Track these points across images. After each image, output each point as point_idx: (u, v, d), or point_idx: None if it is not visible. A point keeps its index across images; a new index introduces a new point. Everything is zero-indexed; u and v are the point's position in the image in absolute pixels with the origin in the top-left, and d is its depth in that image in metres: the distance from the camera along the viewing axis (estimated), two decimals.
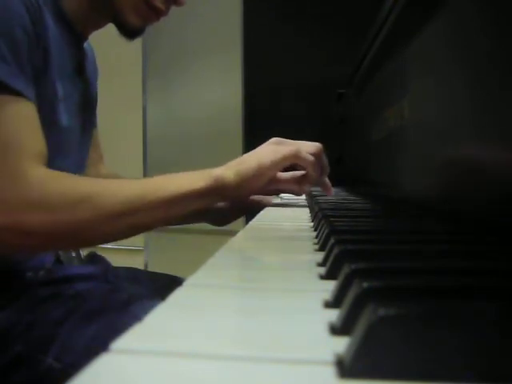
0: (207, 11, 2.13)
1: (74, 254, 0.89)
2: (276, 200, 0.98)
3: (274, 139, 0.80)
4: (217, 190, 0.69)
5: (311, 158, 0.78)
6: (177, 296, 0.28)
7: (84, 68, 0.85)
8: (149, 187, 0.67)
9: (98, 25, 0.83)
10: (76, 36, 0.80)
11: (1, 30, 0.63)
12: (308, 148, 0.79)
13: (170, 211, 0.68)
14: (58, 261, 0.84)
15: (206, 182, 0.68)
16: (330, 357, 0.20)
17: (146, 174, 2.21)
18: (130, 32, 0.80)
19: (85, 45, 0.86)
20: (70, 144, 0.81)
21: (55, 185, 0.64)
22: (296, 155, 0.76)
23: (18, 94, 0.64)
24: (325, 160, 0.83)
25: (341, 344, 0.20)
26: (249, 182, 0.72)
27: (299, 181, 0.83)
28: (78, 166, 0.86)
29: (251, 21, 2.11)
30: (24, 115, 0.65)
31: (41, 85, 0.69)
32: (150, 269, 2.04)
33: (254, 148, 0.78)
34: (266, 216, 0.75)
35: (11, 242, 0.63)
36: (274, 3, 2.13)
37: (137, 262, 2.08)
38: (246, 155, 0.76)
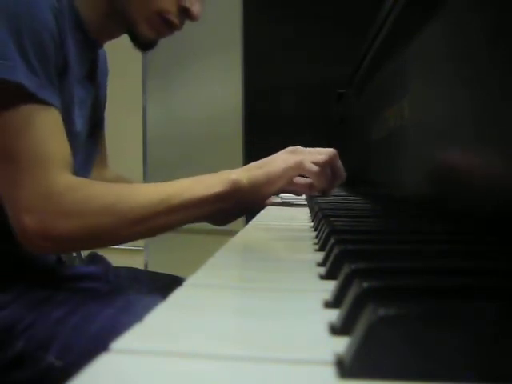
0: (207, 11, 2.12)
1: (75, 254, 0.89)
2: (276, 200, 0.98)
3: (289, 148, 0.80)
4: (233, 194, 0.70)
5: (314, 168, 0.78)
6: (177, 296, 0.28)
7: (96, 73, 0.86)
8: (169, 192, 0.69)
9: (113, 35, 0.84)
10: (91, 43, 0.80)
11: (31, 40, 0.64)
12: (315, 158, 0.79)
13: (189, 215, 0.70)
14: (60, 261, 0.84)
15: (224, 186, 0.70)
16: (330, 357, 0.20)
17: (145, 174, 2.21)
18: (143, 44, 0.81)
19: None
20: (78, 149, 0.82)
21: (83, 192, 0.67)
22: (299, 167, 0.77)
23: (45, 103, 0.65)
24: (338, 166, 0.83)
25: (341, 344, 0.20)
26: (259, 189, 0.73)
27: (310, 187, 0.85)
28: (83, 168, 0.86)
29: (251, 21, 2.11)
30: (51, 124, 0.67)
31: (61, 90, 0.70)
32: (150, 269, 2.04)
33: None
34: (266, 216, 0.75)
35: (40, 245, 0.66)
36: (274, 3, 2.13)
37: (137, 262, 2.08)
38: (266, 159, 0.77)
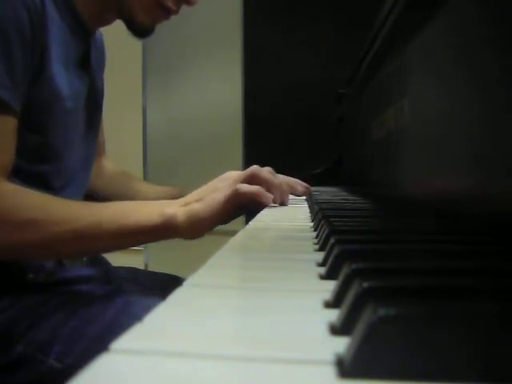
0: (207, 11, 2.13)
1: None
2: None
3: (225, 174, 0.73)
4: (166, 230, 0.67)
5: (253, 189, 0.69)
6: (177, 296, 0.28)
7: (90, 62, 0.84)
8: (101, 217, 0.66)
9: (107, 21, 0.82)
10: (84, 30, 0.79)
11: None
12: (242, 177, 0.72)
13: (118, 243, 0.68)
14: (60, 262, 0.84)
15: (157, 220, 0.66)
16: (330, 357, 0.20)
17: (145, 174, 2.21)
18: (139, 30, 0.80)
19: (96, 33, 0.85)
20: (76, 141, 0.81)
21: (7, 203, 0.64)
22: (237, 195, 0.68)
23: (4, 104, 0.64)
24: (267, 177, 0.74)
25: (341, 344, 0.20)
26: (200, 224, 0.68)
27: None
28: (84, 163, 0.86)
29: (251, 21, 2.11)
30: (2, 127, 0.65)
31: (40, 84, 0.69)
32: (150, 269, 2.04)
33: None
34: (266, 216, 0.74)
35: None
36: (274, 3, 2.13)
37: (137, 262, 2.08)
38: (204, 189, 0.71)
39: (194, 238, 0.70)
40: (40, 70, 0.69)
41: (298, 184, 1.03)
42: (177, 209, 0.67)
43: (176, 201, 0.69)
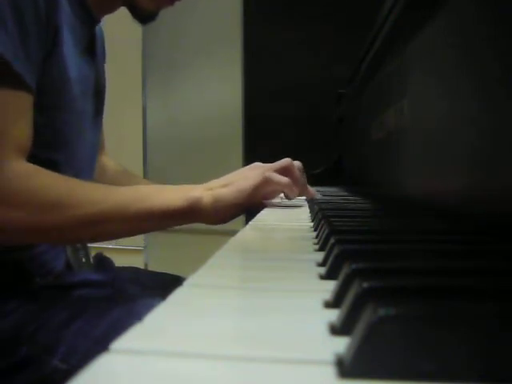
0: (207, 11, 2.13)
1: (84, 260, 0.88)
2: (276, 200, 0.98)
3: (254, 164, 0.75)
4: (193, 212, 0.66)
5: (283, 180, 0.73)
6: (177, 296, 0.28)
7: (96, 50, 0.84)
8: (127, 198, 0.65)
9: (112, 7, 0.82)
10: (90, 17, 0.78)
11: (12, 13, 0.61)
12: (278, 167, 0.74)
13: (142, 226, 0.67)
14: (68, 265, 0.84)
15: (183, 203, 0.66)
16: (330, 357, 0.20)
17: (146, 175, 2.21)
18: (142, 16, 0.79)
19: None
20: (86, 128, 0.80)
21: (32, 182, 0.62)
22: (268, 182, 0.71)
23: (18, 78, 0.61)
24: (297, 173, 0.77)
25: (341, 344, 0.20)
26: (225, 209, 0.68)
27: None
28: (93, 153, 0.85)
29: (251, 21, 2.11)
30: (17, 103, 0.62)
31: (50, 65, 0.68)
32: (150, 269, 2.04)
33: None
34: (265, 216, 0.74)
35: None
36: (274, 3, 2.13)
37: (137, 262, 2.08)
38: (230, 176, 0.72)
39: (216, 223, 0.70)
40: (52, 50, 0.68)
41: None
42: (202, 192, 0.67)
43: (200, 185, 0.69)
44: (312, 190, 0.97)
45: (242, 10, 2.12)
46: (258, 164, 0.75)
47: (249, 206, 0.71)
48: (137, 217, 0.64)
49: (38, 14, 0.64)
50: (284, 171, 0.74)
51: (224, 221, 0.70)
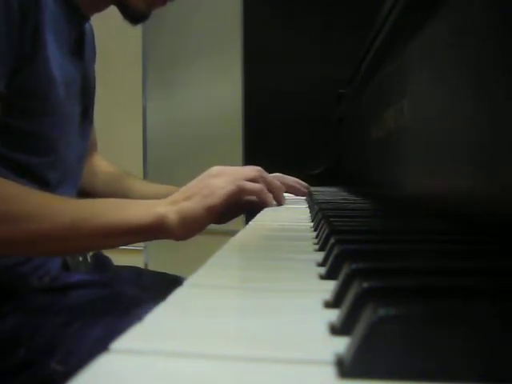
0: (207, 11, 2.13)
1: (81, 259, 0.88)
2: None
3: (214, 169, 0.70)
4: (156, 229, 0.62)
5: (257, 187, 0.70)
6: (177, 296, 0.28)
7: (84, 50, 0.82)
8: (83, 214, 0.61)
9: (102, 6, 0.80)
10: (78, 16, 0.77)
11: None
12: (249, 176, 0.71)
13: (104, 242, 0.63)
14: (65, 266, 0.84)
15: (146, 218, 0.62)
16: (330, 357, 0.20)
17: (145, 175, 2.21)
18: (133, 16, 0.78)
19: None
20: (72, 131, 0.79)
21: None
22: (242, 190, 0.68)
23: None
24: (270, 178, 0.75)
25: (341, 344, 0.20)
26: (193, 224, 0.64)
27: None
28: (80, 156, 0.84)
29: (251, 21, 2.11)
30: None
31: (33, 68, 0.66)
32: (150, 269, 2.04)
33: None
34: (265, 216, 0.74)
35: None
36: (275, 3, 2.13)
37: (137, 262, 2.07)
38: (192, 187, 0.67)
39: (185, 239, 0.65)
40: (33, 53, 0.66)
41: (298, 183, 1.03)
42: (166, 208, 0.63)
43: (163, 200, 0.65)
44: (303, 186, 0.97)
45: (242, 10, 2.12)
46: (220, 169, 0.70)
47: (219, 219, 0.67)
48: (95, 232, 0.61)
49: (10, 15, 0.62)
50: (255, 180, 0.71)
51: (193, 234, 0.66)
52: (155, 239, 0.66)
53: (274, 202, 0.78)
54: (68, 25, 0.75)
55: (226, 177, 0.68)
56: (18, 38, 0.64)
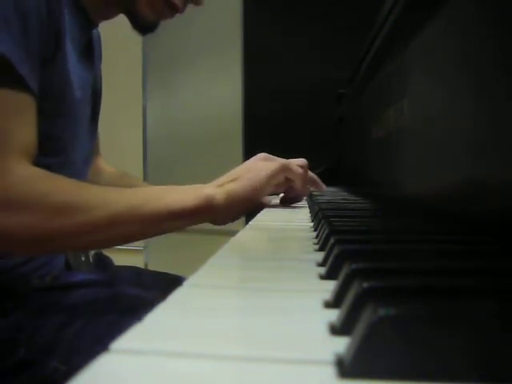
0: (207, 11, 2.12)
1: (83, 258, 0.88)
2: (276, 200, 0.98)
3: (261, 155, 0.75)
4: (206, 210, 0.64)
5: (300, 170, 0.77)
6: (177, 296, 0.28)
7: (93, 54, 0.84)
8: (137, 201, 0.62)
9: (111, 14, 0.81)
10: (88, 21, 0.78)
11: (16, 16, 0.59)
12: (297, 162, 0.78)
13: (159, 227, 0.65)
14: (67, 265, 0.84)
15: (197, 201, 0.64)
16: (330, 357, 0.20)
17: (145, 174, 2.21)
18: (142, 26, 0.79)
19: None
20: (82, 132, 0.80)
21: (38, 186, 0.59)
22: (286, 168, 0.74)
23: (22, 81, 0.60)
24: (311, 174, 0.84)
25: (341, 344, 0.20)
26: (239, 204, 0.67)
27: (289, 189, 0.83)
28: (86, 157, 0.84)
29: (251, 21, 2.11)
30: (21, 105, 0.61)
31: (53, 70, 0.67)
32: (149, 268, 2.04)
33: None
34: (266, 216, 0.74)
35: None
36: (274, 3, 2.13)
37: (137, 262, 2.08)
38: (238, 170, 0.71)
39: (232, 220, 0.70)
40: (54, 53, 0.67)
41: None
42: (213, 190, 0.66)
43: (210, 183, 0.68)
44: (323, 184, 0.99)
45: (242, 10, 2.12)
46: (267, 154, 0.75)
47: (260, 202, 0.73)
48: (152, 217, 0.62)
49: (40, 18, 0.63)
50: (301, 167, 0.78)
51: (235, 217, 0.70)
52: (204, 221, 0.68)
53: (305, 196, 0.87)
54: (79, 30, 0.76)
55: (272, 160, 0.74)
56: (46, 39, 0.65)
